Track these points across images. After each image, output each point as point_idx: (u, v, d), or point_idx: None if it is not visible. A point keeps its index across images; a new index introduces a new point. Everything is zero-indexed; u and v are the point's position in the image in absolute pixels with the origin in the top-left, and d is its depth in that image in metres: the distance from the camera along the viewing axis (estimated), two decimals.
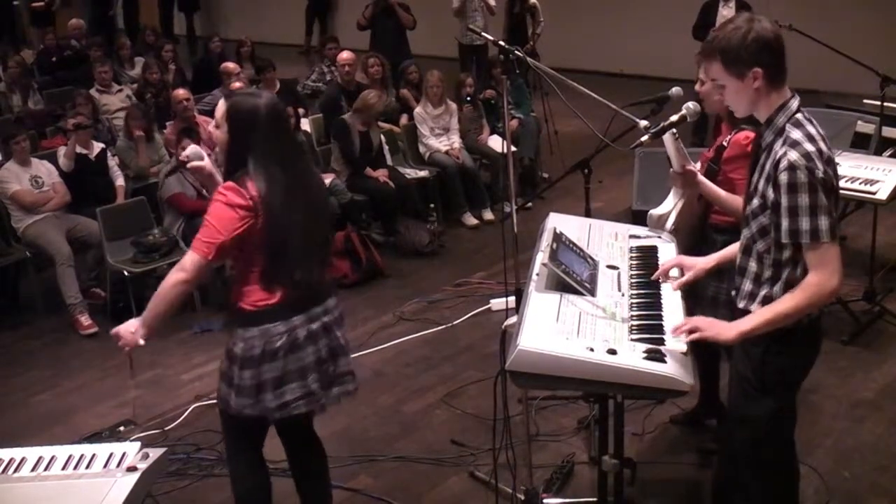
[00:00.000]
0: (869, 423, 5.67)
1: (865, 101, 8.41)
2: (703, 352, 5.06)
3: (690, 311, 4.04)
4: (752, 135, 4.39)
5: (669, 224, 4.67)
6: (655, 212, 4.74)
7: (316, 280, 4.07)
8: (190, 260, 3.92)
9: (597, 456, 4.18)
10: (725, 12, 10.92)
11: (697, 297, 4.32)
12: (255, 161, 3.93)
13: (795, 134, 3.48)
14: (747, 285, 3.73)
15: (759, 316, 3.60)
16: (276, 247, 3.93)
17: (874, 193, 6.51)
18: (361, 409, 6.05)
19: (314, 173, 4.31)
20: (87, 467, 3.79)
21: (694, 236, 4.88)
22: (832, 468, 5.17)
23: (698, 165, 4.85)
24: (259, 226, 3.88)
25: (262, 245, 3.93)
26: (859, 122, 8.25)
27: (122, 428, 5.91)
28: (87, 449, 3.93)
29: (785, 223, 3.46)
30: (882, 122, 7.84)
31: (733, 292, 3.85)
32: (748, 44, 3.48)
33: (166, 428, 5.92)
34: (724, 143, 4.96)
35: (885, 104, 7.55)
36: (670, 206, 4.71)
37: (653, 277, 4.17)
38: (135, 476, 3.62)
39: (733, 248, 4.00)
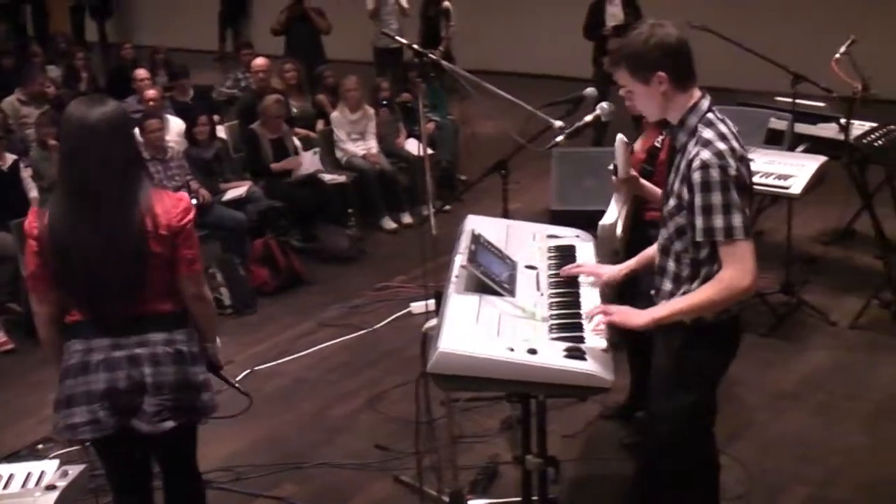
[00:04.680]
0: (790, 412, 5.77)
1: (778, 98, 8.53)
2: (633, 344, 5.11)
3: (624, 305, 4.05)
4: None
5: (619, 231, 4.70)
6: (604, 222, 4.74)
7: (120, 310, 3.76)
8: None
9: (521, 455, 4.19)
10: (613, 10, 10.96)
11: (634, 292, 4.35)
12: (56, 182, 3.84)
13: (707, 133, 3.52)
14: (667, 285, 3.76)
15: (673, 305, 3.64)
16: (57, 271, 3.72)
17: (788, 188, 6.63)
18: (285, 416, 6.01)
19: (127, 202, 3.68)
20: (5, 488, 3.74)
21: (632, 234, 4.90)
22: (754, 458, 5.23)
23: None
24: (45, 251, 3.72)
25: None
26: (772, 119, 8.37)
27: (41, 446, 5.78)
28: (3, 469, 3.86)
29: (699, 221, 3.49)
30: (794, 118, 7.97)
31: (652, 292, 3.88)
32: (650, 49, 3.54)
33: (87, 444, 5.78)
34: (657, 145, 4.99)
35: (797, 101, 7.67)
36: (616, 213, 4.72)
37: (561, 271, 4.20)
38: (54, 495, 3.58)
39: (647, 252, 4.04)
